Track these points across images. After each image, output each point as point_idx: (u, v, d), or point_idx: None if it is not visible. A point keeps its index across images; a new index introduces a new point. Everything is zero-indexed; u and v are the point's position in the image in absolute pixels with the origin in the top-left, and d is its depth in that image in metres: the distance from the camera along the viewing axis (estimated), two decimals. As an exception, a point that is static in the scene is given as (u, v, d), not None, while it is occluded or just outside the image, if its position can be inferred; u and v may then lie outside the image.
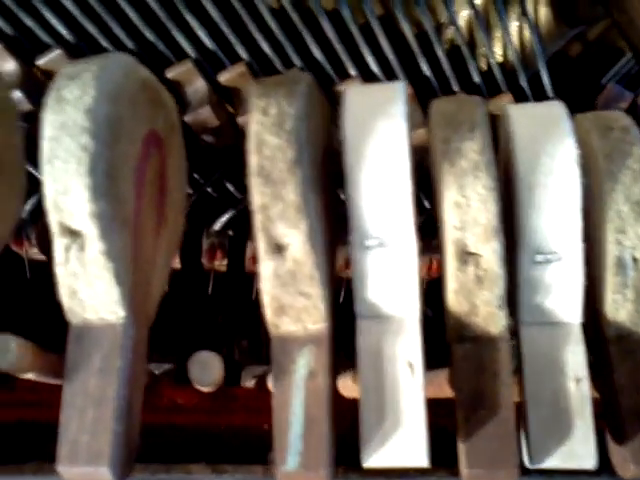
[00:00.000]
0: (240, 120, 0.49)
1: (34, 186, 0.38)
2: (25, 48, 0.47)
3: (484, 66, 0.56)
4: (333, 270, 0.32)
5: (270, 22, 0.48)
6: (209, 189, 0.58)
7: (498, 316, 0.33)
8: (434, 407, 0.33)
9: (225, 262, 0.59)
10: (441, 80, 0.53)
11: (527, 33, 0.54)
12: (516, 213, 0.33)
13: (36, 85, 0.46)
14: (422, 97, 0.53)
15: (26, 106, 0.45)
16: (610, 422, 0.35)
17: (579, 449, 0.31)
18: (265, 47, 0.49)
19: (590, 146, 0.35)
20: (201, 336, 0.59)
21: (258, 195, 0.29)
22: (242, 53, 0.49)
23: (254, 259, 0.59)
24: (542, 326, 0.34)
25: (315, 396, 0.30)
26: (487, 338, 0.33)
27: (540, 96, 0.54)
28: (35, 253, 0.56)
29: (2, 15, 0.46)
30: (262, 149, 0.29)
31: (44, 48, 0.47)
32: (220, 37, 0.48)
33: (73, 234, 0.28)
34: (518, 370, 0.34)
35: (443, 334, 0.34)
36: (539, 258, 0.33)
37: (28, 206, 0.49)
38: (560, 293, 0.34)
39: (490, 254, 0.32)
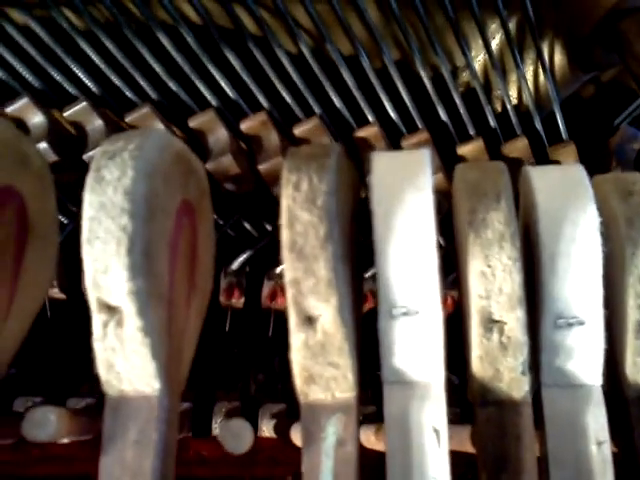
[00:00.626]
0: (260, 168, 0.50)
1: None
2: (52, 100, 0.48)
3: (499, 108, 0.57)
4: (359, 338, 0.33)
5: (290, 70, 0.49)
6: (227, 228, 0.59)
7: (521, 382, 0.33)
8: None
9: (242, 300, 0.60)
10: (457, 124, 0.54)
11: (542, 76, 0.55)
12: (539, 279, 0.34)
13: (62, 137, 0.47)
14: (439, 141, 0.54)
15: (52, 157, 0.46)
16: (630, 481, 0.35)
17: (600, 513, 0.32)
18: (285, 95, 0.50)
19: (611, 211, 0.35)
20: (218, 371, 0.60)
21: (290, 270, 0.30)
22: (263, 101, 0.50)
23: (270, 296, 0.60)
24: (563, 388, 0.35)
25: (344, 464, 0.31)
26: (510, 403, 0.33)
27: (554, 138, 0.55)
28: (56, 293, 0.57)
29: (29, 68, 0.47)
30: (294, 225, 0.30)
31: (71, 100, 0.47)
32: (242, 86, 0.49)
33: (111, 310, 0.29)
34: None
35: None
36: (561, 322, 0.34)
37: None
38: (581, 356, 0.34)
39: (514, 322, 0.32)
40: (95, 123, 0.48)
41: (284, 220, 0.30)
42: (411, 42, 0.50)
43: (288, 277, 0.30)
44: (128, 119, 0.49)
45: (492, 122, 0.55)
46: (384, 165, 0.34)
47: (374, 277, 0.33)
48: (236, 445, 0.30)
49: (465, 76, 0.57)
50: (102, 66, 0.48)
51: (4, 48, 0.47)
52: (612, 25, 0.50)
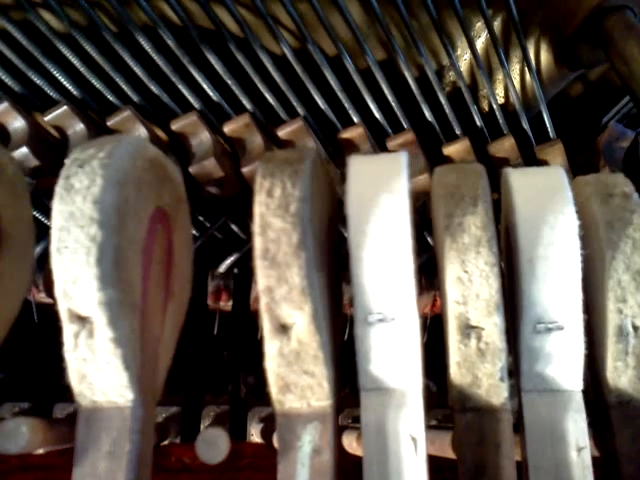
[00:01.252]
0: (244, 170, 0.49)
1: (41, 233, 0.38)
2: (32, 104, 0.48)
3: (486, 107, 0.57)
4: (337, 346, 0.33)
5: (273, 72, 0.49)
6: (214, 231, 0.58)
7: (500, 388, 0.33)
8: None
9: (230, 303, 0.60)
10: (443, 124, 0.54)
11: (529, 75, 0.54)
12: (517, 283, 0.34)
13: (43, 141, 0.47)
14: (425, 141, 0.54)
15: (33, 162, 0.46)
16: (611, 487, 0.35)
17: (580, 519, 0.32)
18: (269, 97, 0.50)
19: (591, 213, 0.35)
20: (208, 374, 0.60)
21: (263, 278, 0.30)
22: (246, 103, 0.50)
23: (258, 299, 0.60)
24: (543, 394, 0.34)
25: (320, 473, 0.30)
26: (489, 409, 0.33)
27: (542, 137, 0.55)
28: (43, 297, 0.57)
29: (9, 72, 0.46)
30: (267, 232, 0.30)
31: (52, 104, 0.47)
32: (224, 88, 0.49)
33: (82, 321, 0.29)
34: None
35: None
36: (540, 327, 0.34)
37: (35, 253, 0.50)
38: (561, 361, 0.34)
39: (492, 328, 0.32)
40: (76, 127, 0.48)
41: (256, 227, 0.30)
42: (394, 43, 0.50)
43: (261, 285, 0.30)
44: (110, 122, 0.48)
45: (478, 121, 0.55)
46: (360, 169, 0.34)
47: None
48: (212, 455, 0.30)
49: (452, 75, 0.57)
50: (83, 69, 0.47)
51: (-17, 53, 0.46)
52: (597, 23, 0.50)
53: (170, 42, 0.47)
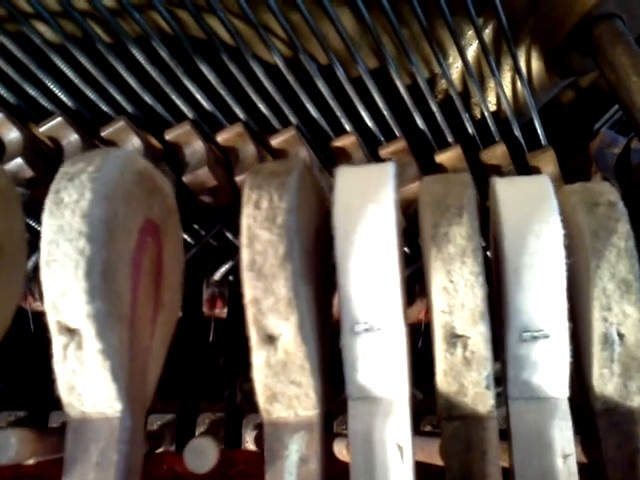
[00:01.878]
0: (238, 179, 0.50)
1: (36, 242, 0.39)
2: (27, 115, 0.48)
3: (478, 115, 0.57)
4: (326, 356, 0.33)
5: (265, 82, 0.49)
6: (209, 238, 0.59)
7: (486, 396, 0.33)
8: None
9: (225, 310, 0.60)
10: (435, 131, 0.54)
11: (520, 82, 0.55)
12: (503, 292, 0.34)
13: (38, 152, 0.47)
14: (417, 149, 0.54)
15: (28, 173, 0.46)
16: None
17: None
18: (261, 106, 0.50)
19: (577, 222, 0.35)
20: (203, 380, 0.60)
21: (250, 289, 0.30)
22: (239, 112, 0.50)
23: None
24: (530, 401, 0.35)
25: (307, 482, 0.31)
26: (475, 417, 0.34)
27: (534, 144, 0.55)
28: (38, 306, 0.57)
29: (4, 83, 0.47)
30: (254, 243, 0.30)
31: (46, 115, 0.48)
32: (217, 98, 0.50)
33: (71, 333, 0.29)
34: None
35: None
36: (526, 335, 0.34)
37: (31, 262, 0.50)
38: (547, 369, 0.34)
39: (477, 336, 0.33)
40: (71, 137, 0.48)
41: (244, 239, 0.31)
42: (385, 52, 0.50)
43: (248, 296, 0.30)
44: (104, 133, 0.49)
45: (470, 129, 0.55)
46: (347, 180, 0.34)
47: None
48: (200, 464, 0.30)
49: (444, 83, 0.57)
50: (77, 80, 0.48)
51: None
52: (586, 31, 0.50)
53: (163, 53, 0.48)
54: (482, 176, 0.56)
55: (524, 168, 0.56)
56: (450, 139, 0.55)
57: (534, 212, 0.35)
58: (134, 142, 0.49)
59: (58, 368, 0.30)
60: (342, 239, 0.32)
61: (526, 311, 0.34)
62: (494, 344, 0.34)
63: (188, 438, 0.52)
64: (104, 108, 0.49)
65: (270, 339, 0.31)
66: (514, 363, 0.34)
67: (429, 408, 0.52)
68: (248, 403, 0.59)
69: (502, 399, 0.35)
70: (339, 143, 0.53)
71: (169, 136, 0.50)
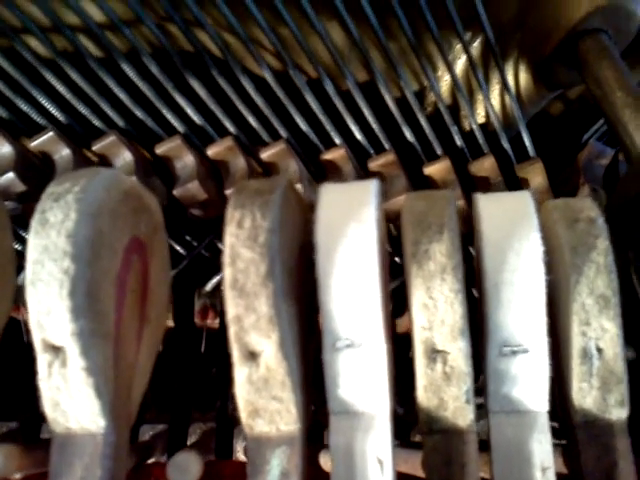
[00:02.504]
0: (228, 193, 0.50)
1: None
2: (19, 130, 0.49)
3: (467, 127, 0.58)
4: (309, 371, 0.34)
5: (254, 96, 0.50)
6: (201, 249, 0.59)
7: (466, 410, 0.34)
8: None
9: (217, 321, 0.60)
10: (424, 144, 0.55)
11: (508, 96, 0.55)
12: (484, 307, 0.35)
13: (29, 166, 0.48)
14: (406, 161, 0.55)
15: (19, 187, 0.47)
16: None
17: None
18: (251, 120, 0.51)
19: (557, 238, 0.36)
20: (195, 391, 0.61)
21: (232, 307, 0.31)
22: (229, 126, 0.51)
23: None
24: (509, 415, 0.35)
25: (288, 496, 0.31)
26: (455, 431, 0.34)
27: (522, 156, 0.56)
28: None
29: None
30: (236, 262, 0.31)
31: (38, 129, 0.48)
32: (207, 112, 0.50)
33: (55, 350, 0.30)
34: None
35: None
36: (505, 350, 0.35)
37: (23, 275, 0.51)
38: (527, 383, 0.35)
39: (457, 352, 0.33)
40: (62, 152, 0.49)
41: (226, 257, 0.31)
42: (373, 66, 0.51)
43: (230, 314, 0.31)
44: (95, 147, 0.49)
45: (459, 141, 0.56)
46: (329, 198, 0.35)
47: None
48: (182, 478, 0.31)
49: (433, 96, 0.58)
50: (68, 95, 0.49)
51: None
52: (573, 45, 0.51)
53: (153, 68, 0.48)
54: (471, 188, 0.56)
55: (513, 180, 0.56)
56: (439, 151, 0.55)
57: (514, 229, 0.35)
58: (125, 156, 0.50)
59: (43, 385, 0.30)
60: (324, 257, 0.33)
61: (506, 326, 0.34)
62: (477, 357, 0.35)
63: (180, 448, 0.53)
64: (95, 122, 0.50)
65: (252, 356, 0.32)
66: (494, 377, 0.35)
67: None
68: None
69: (483, 411, 0.36)
70: (329, 156, 0.53)
71: (160, 150, 0.50)
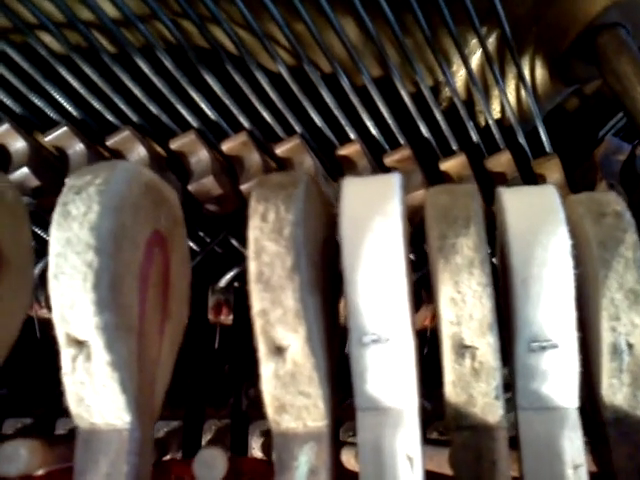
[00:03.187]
0: (243, 188, 0.50)
1: (43, 250, 0.39)
2: (33, 125, 0.48)
3: (482, 122, 0.57)
4: (333, 365, 0.33)
5: (270, 91, 0.49)
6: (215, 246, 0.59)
7: (495, 406, 0.33)
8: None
9: (230, 317, 0.60)
10: (440, 139, 0.54)
11: (524, 91, 0.55)
12: (511, 303, 0.34)
13: (43, 161, 0.47)
14: (422, 157, 0.54)
15: (34, 182, 0.46)
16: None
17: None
18: (266, 115, 0.50)
19: (584, 233, 0.35)
20: (209, 387, 0.60)
21: (258, 301, 0.30)
22: (244, 121, 0.50)
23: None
24: (539, 411, 0.35)
25: (316, 493, 0.31)
26: (485, 428, 0.33)
27: (538, 151, 0.55)
28: (44, 313, 0.57)
29: (9, 93, 0.47)
30: (261, 255, 0.30)
31: (52, 124, 0.48)
32: (222, 107, 0.50)
33: (79, 345, 0.29)
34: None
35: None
36: (534, 346, 0.34)
37: (37, 270, 0.51)
38: (556, 379, 0.34)
39: (486, 347, 0.32)
40: (76, 147, 0.49)
41: (251, 251, 0.30)
42: (389, 61, 0.50)
43: (256, 308, 0.30)
44: (109, 142, 0.49)
45: (475, 137, 0.55)
46: (353, 191, 0.34)
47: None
48: (210, 475, 0.30)
49: (448, 91, 0.57)
50: (82, 90, 0.48)
51: (-17, 75, 0.47)
52: (590, 40, 0.50)
53: (167, 63, 0.48)
54: (487, 184, 0.56)
55: (529, 176, 0.56)
56: (455, 147, 0.55)
57: (541, 223, 0.34)
58: (139, 151, 0.49)
59: (67, 380, 0.30)
60: (349, 251, 0.32)
61: (535, 322, 0.34)
62: (502, 353, 0.34)
63: (194, 445, 0.52)
64: (109, 118, 0.49)
65: (278, 350, 0.31)
66: (523, 373, 0.34)
67: (436, 415, 0.52)
68: (254, 409, 0.59)
69: (510, 406, 0.35)
70: (344, 151, 0.53)
71: (174, 145, 0.50)
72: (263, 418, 0.57)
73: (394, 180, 0.35)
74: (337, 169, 0.54)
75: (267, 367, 0.31)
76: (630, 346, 0.34)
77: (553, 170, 0.55)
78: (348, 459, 0.40)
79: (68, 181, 0.31)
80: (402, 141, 0.54)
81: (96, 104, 0.49)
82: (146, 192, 0.32)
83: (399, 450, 0.32)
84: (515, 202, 0.36)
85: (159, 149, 0.52)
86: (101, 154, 0.50)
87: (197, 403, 0.58)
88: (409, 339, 0.33)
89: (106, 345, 0.29)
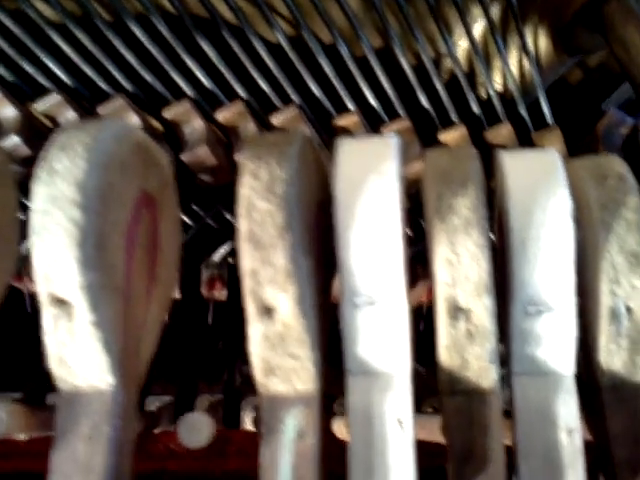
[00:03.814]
0: (238, 158, 0.49)
1: None
2: (24, 93, 0.47)
3: (483, 94, 0.56)
4: (324, 330, 0.32)
5: (267, 59, 0.48)
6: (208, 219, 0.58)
7: (490, 370, 0.33)
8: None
9: (224, 292, 0.59)
10: (440, 111, 0.53)
11: (527, 61, 0.54)
12: (509, 265, 0.33)
13: (34, 130, 0.46)
14: (421, 129, 0.53)
15: (24, 151, 0.46)
16: (604, 470, 0.35)
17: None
18: (263, 84, 0.49)
19: (585, 195, 0.34)
20: (202, 363, 0.60)
21: (248, 259, 0.29)
22: (240, 91, 0.49)
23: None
24: (534, 376, 0.34)
25: (304, 457, 0.30)
26: (478, 392, 0.33)
27: (540, 124, 0.54)
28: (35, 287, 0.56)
29: (1, 61, 0.46)
30: (252, 214, 0.30)
31: (43, 92, 0.47)
32: (218, 76, 0.49)
33: (62, 304, 0.28)
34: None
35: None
36: (531, 309, 0.33)
37: (28, 244, 0.50)
38: (552, 344, 0.34)
39: (481, 310, 0.32)
40: (68, 115, 0.48)
41: (241, 209, 0.30)
42: (390, 31, 0.49)
43: (245, 267, 0.30)
44: (102, 111, 0.48)
45: (475, 108, 0.54)
46: (348, 151, 0.34)
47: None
48: (194, 439, 0.29)
49: (449, 63, 0.56)
50: (75, 58, 0.47)
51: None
52: (596, 8, 0.49)
53: (163, 30, 0.47)
54: (487, 156, 0.55)
55: (530, 148, 0.55)
56: (455, 119, 0.54)
57: (541, 184, 0.34)
58: (133, 120, 0.48)
59: (48, 340, 0.29)
60: (343, 210, 0.32)
61: (532, 284, 0.33)
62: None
63: (187, 418, 0.51)
64: (102, 86, 0.48)
65: (268, 311, 0.30)
66: (518, 338, 0.34)
67: (430, 389, 0.51)
68: (247, 385, 0.59)
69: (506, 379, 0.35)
70: (341, 122, 0.52)
71: (168, 114, 0.49)
72: (255, 394, 0.57)
73: (392, 141, 0.34)
74: (334, 140, 0.53)
75: (255, 328, 0.31)
76: (629, 310, 0.33)
77: (554, 142, 0.54)
78: (339, 428, 0.39)
79: (53, 137, 0.30)
80: (401, 112, 0.53)
81: (89, 71, 0.48)
82: (136, 151, 0.32)
83: (389, 414, 0.31)
84: (515, 164, 0.35)
85: (152, 119, 0.51)
86: (94, 123, 0.49)
87: (190, 378, 0.57)
88: (403, 301, 0.32)
89: (90, 305, 0.28)
